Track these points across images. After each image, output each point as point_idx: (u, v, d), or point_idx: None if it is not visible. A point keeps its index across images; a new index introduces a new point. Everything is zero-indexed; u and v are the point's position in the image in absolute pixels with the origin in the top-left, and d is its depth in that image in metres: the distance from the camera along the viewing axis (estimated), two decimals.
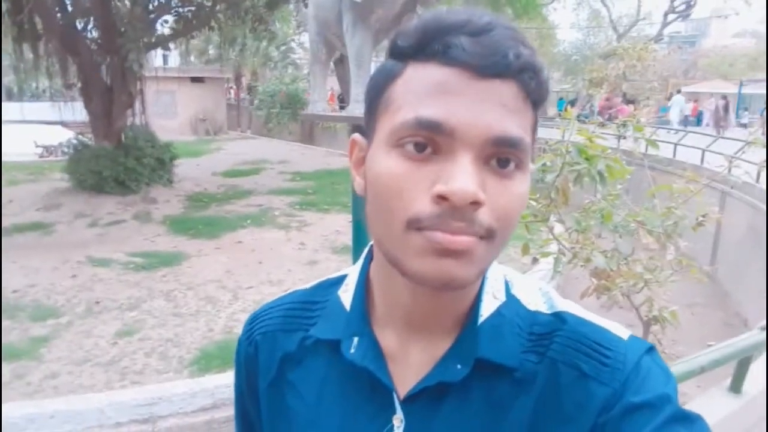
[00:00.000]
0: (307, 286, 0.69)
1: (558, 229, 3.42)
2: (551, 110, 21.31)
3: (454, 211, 0.46)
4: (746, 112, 23.37)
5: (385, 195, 0.49)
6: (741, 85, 25.46)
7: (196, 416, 3.87)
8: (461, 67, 0.47)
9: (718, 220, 2.94)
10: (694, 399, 2.90)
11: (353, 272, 0.63)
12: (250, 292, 5.98)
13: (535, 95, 0.50)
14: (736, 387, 2.56)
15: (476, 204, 0.46)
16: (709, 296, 7.99)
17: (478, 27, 0.48)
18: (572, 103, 21.80)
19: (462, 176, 0.46)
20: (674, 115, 19.72)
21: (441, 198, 0.46)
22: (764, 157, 3.21)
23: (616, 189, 3.15)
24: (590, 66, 23.72)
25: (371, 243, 0.60)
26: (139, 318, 5.30)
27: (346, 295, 0.62)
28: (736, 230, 8.31)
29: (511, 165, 0.48)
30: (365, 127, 0.55)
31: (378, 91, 0.53)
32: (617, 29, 30.40)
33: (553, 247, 3.32)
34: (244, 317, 4.34)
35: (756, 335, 2.26)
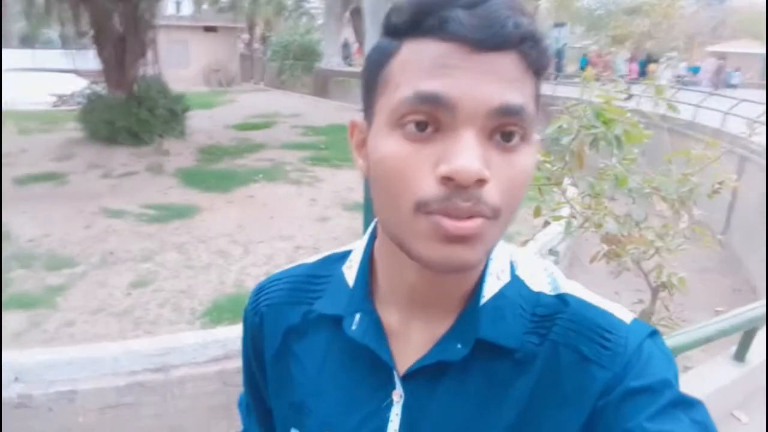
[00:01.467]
0: (313, 259, 0.69)
1: (571, 192, 3.38)
2: (572, 67, 20.79)
3: (460, 191, 0.45)
4: None
5: (390, 179, 0.48)
6: None
7: (208, 366, 3.99)
8: (459, 42, 0.46)
9: (734, 187, 2.88)
10: (699, 365, 2.92)
11: (358, 248, 0.64)
12: (261, 246, 6.05)
13: (536, 65, 0.48)
14: (740, 356, 2.58)
15: (481, 182, 0.45)
16: (720, 262, 7.95)
17: None
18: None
19: (465, 154, 0.45)
20: (664, 75, 19.24)
21: (446, 179, 0.45)
22: None
23: (633, 153, 3.09)
24: (614, 22, 22.98)
25: (375, 220, 0.60)
26: (152, 269, 5.39)
27: (350, 271, 0.62)
28: (753, 196, 8.18)
29: (515, 138, 0.47)
30: (364, 109, 0.54)
31: (374, 70, 0.51)
32: None
33: (565, 211, 3.29)
34: (255, 271, 4.44)
35: (761, 306, 2.25)
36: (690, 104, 10.94)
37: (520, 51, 0.47)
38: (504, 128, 0.47)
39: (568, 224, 3.20)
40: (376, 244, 0.60)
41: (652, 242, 2.59)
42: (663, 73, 18.88)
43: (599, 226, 2.88)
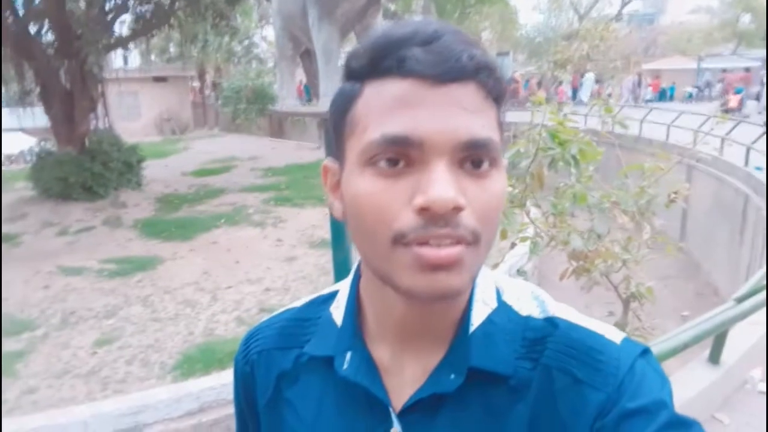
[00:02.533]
0: (300, 303, 0.68)
1: (534, 213, 3.46)
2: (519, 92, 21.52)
3: (438, 220, 0.46)
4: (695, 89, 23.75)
5: (366, 215, 0.49)
6: (699, 60, 26.01)
7: (183, 421, 3.83)
8: (418, 78, 0.47)
9: (687, 196, 3.01)
10: (675, 372, 2.98)
11: (344, 288, 0.63)
12: (229, 292, 5.93)
13: (494, 93, 0.50)
14: (714, 358, 2.64)
15: (457, 209, 0.46)
16: (681, 269, 8.21)
17: (427, 36, 0.48)
18: (538, 84, 22.00)
19: (439, 184, 0.46)
20: (584, 94, 20.19)
21: (422, 209, 0.46)
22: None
23: (589, 171, 3.19)
24: (554, 48, 23.96)
25: (360, 260, 0.60)
26: (117, 326, 5.20)
27: (337, 311, 0.62)
28: (704, 203, 8.53)
29: (485, 164, 0.49)
30: (334, 151, 0.55)
31: (341, 114, 0.52)
32: (578, 10, 30.74)
33: (530, 231, 3.35)
34: (224, 318, 4.34)
35: (732, 308, 2.33)
36: (634, 119, 11.41)
37: (477, 81, 0.48)
38: (473, 158, 0.48)
39: (535, 244, 3.26)
40: (362, 281, 0.60)
41: (618, 255, 2.66)
42: (584, 92, 19.80)
43: (565, 243, 2.94)
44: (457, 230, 0.46)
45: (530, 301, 0.58)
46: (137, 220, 8.77)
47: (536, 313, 0.57)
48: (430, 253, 0.46)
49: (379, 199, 0.48)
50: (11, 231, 8.27)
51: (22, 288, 6.11)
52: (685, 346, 1.79)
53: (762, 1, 26.63)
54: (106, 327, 5.18)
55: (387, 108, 0.48)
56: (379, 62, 0.49)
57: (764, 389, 2.66)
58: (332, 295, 0.65)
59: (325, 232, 7.06)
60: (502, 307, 0.57)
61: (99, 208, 9.14)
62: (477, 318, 0.55)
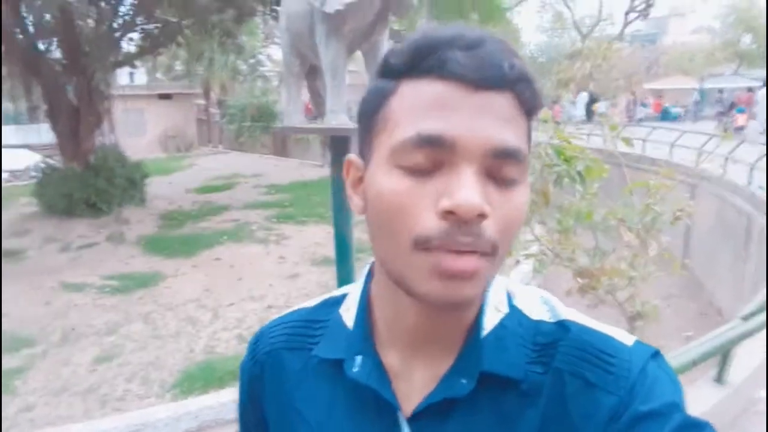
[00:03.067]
0: (310, 304, 0.68)
1: (539, 230, 3.45)
2: None
3: (461, 225, 0.46)
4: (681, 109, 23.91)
5: (389, 214, 0.49)
6: (701, 80, 26.17)
7: None
8: (458, 81, 0.47)
9: (691, 213, 3.00)
10: None
11: (354, 290, 0.63)
12: (231, 309, 5.90)
13: (529, 105, 0.50)
14: (720, 378, 2.60)
15: (482, 216, 0.46)
16: (683, 288, 8.15)
17: (470, 41, 0.48)
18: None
19: (466, 189, 0.46)
20: (579, 111, 20.40)
21: (447, 213, 0.46)
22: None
23: (594, 188, 3.19)
24: (557, 67, 24.15)
25: (372, 261, 0.60)
26: (118, 343, 5.17)
27: (348, 313, 0.61)
28: (706, 222, 8.50)
29: (512, 177, 0.49)
30: (360, 147, 0.55)
31: (372, 111, 0.53)
32: (581, 30, 31.04)
33: (535, 248, 3.34)
34: (225, 335, 4.31)
35: (738, 326, 2.30)
36: (638, 138, 11.44)
37: (514, 91, 0.49)
38: (501, 167, 0.48)
39: (540, 262, 3.25)
40: (373, 285, 0.60)
41: (625, 272, 2.64)
42: (578, 111, 19.93)
43: (571, 260, 2.93)
44: (478, 240, 0.47)
45: (540, 306, 0.58)
46: (140, 237, 8.77)
47: (547, 317, 0.57)
48: (451, 262, 0.47)
49: (403, 200, 0.48)
50: (14, 247, 8.28)
51: (23, 304, 6.09)
52: (693, 364, 1.77)
53: (762, 22, 26.89)
54: (107, 344, 5.15)
55: (423, 107, 0.48)
56: (419, 61, 0.49)
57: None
58: (342, 297, 0.65)
59: (328, 250, 7.03)
60: (514, 312, 0.57)
61: (102, 224, 9.16)
62: (489, 323, 0.55)
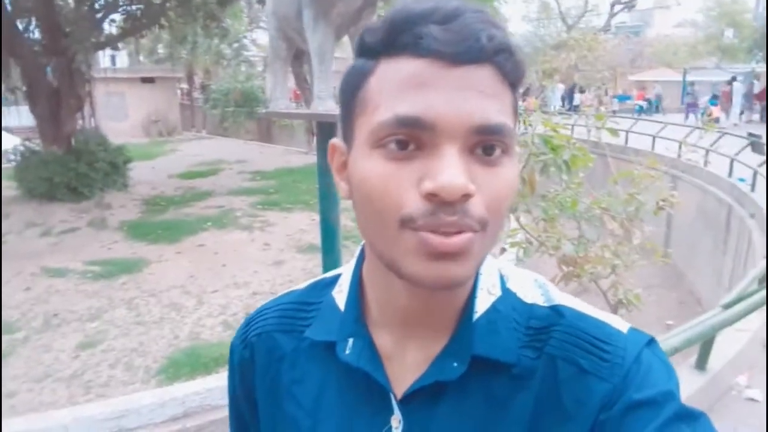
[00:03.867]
0: (302, 286, 0.67)
1: (525, 218, 3.48)
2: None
3: (446, 206, 0.45)
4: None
5: (374, 197, 0.48)
6: (685, 72, 26.41)
7: (167, 426, 3.78)
8: (434, 57, 0.46)
9: (678, 203, 3.04)
10: None
11: (346, 272, 0.62)
12: (215, 296, 5.87)
13: (512, 76, 0.48)
14: (701, 364, 2.66)
15: (467, 196, 0.45)
16: (665, 278, 8.29)
17: (446, 13, 0.46)
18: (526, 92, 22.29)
19: (449, 170, 0.44)
20: (556, 101, 20.71)
21: (431, 195, 0.45)
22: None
23: (579, 177, 3.22)
24: (542, 57, 24.20)
25: (363, 243, 0.59)
26: (101, 329, 5.12)
27: (340, 295, 0.61)
28: (688, 213, 8.64)
29: (497, 151, 0.47)
30: (342, 130, 0.54)
31: (351, 92, 0.51)
32: (566, 21, 31.12)
33: (521, 237, 3.37)
34: (210, 322, 4.30)
35: (719, 313, 2.35)
36: (622, 130, 11.55)
37: (495, 63, 0.47)
38: (486, 143, 0.47)
39: (526, 250, 3.28)
40: (365, 267, 0.59)
41: (609, 260, 2.68)
42: (554, 101, 20.16)
43: (556, 248, 2.96)
44: (464, 219, 0.45)
45: (535, 289, 0.58)
46: (123, 222, 8.66)
47: (541, 301, 0.56)
48: (438, 240, 0.45)
49: (387, 182, 0.47)
50: None
51: (3, 289, 5.99)
52: (675, 351, 1.80)
53: (745, 17, 27.17)
54: (90, 330, 5.10)
55: (400, 87, 0.46)
56: (395, 39, 0.47)
57: (750, 395, 2.69)
58: (335, 279, 0.64)
59: (313, 237, 7.02)
60: (507, 295, 0.56)
61: (84, 209, 9.01)
62: (481, 306, 0.55)
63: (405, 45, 0.47)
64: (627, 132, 11.89)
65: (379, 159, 0.47)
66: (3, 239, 7.84)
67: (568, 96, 22.95)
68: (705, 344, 2.56)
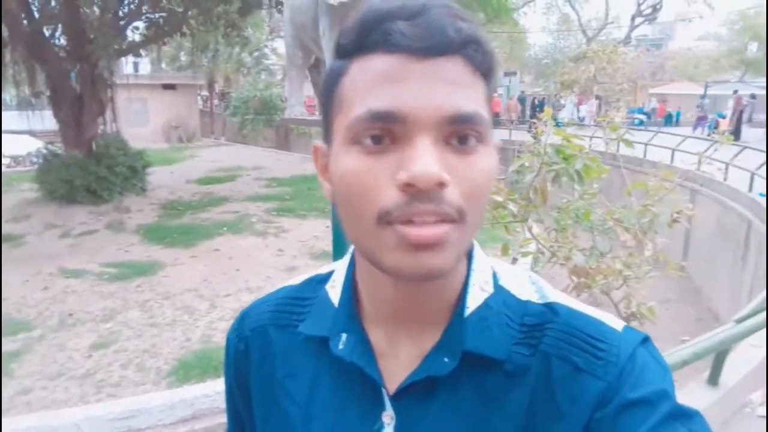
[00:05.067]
0: (297, 281, 0.68)
1: (536, 229, 3.46)
2: (529, 113, 21.74)
3: (421, 195, 0.45)
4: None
5: (351, 193, 0.48)
6: (706, 86, 26.13)
7: (176, 428, 3.79)
8: (403, 52, 0.47)
9: (690, 216, 3.00)
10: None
11: (340, 268, 0.63)
12: (228, 300, 5.91)
13: (483, 67, 0.49)
14: (713, 379, 2.61)
15: (441, 185, 0.45)
16: (681, 292, 8.15)
17: (414, 10, 0.47)
18: (541, 104, 22.21)
19: (423, 160, 0.45)
20: (567, 114, 20.52)
21: (406, 185, 0.45)
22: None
23: (593, 188, 3.20)
24: (561, 69, 24.10)
25: None
26: (115, 329, 5.18)
27: (333, 291, 0.61)
28: (706, 227, 8.50)
29: (472, 140, 0.48)
30: (323, 133, 0.55)
31: (329, 93, 0.52)
32: (586, 33, 30.99)
33: (532, 247, 3.35)
34: (222, 326, 4.33)
35: (732, 328, 2.31)
36: (640, 142, 11.44)
37: (464, 54, 0.48)
38: (459, 133, 0.47)
39: (536, 260, 3.25)
40: (356, 264, 0.60)
41: (620, 272, 2.65)
42: (565, 113, 19.97)
43: (567, 259, 2.94)
44: (441, 206, 0.46)
45: (529, 286, 0.58)
46: (140, 225, 8.78)
47: (535, 298, 0.57)
48: (414, 232, 0.46)
49: (363, 177, 0.47)
50: (15, 231, 8.29)
51: (21, 288, 6.11)
52: (683, 363, 1.77)
53: None
54: (104, 330, 5.16)
55: (372, 83, 0.47)
56: (365, 37, 0.48)
57: (764, 413, 2.63)
58: (329, 275, 0.64)
59: (326, 244, 7.04)
60: (499, 292, 0.57)
61: (103, 211, 9.16)
62: (473, 302, 0.55)
63: (375, 43, 0.48)
64: (645, 145, 11.77)
65: (356, 155, 0.48)
66: (23, 240, 8.00)
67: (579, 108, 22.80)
68: (717, 359, 2.52)
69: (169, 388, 4.21)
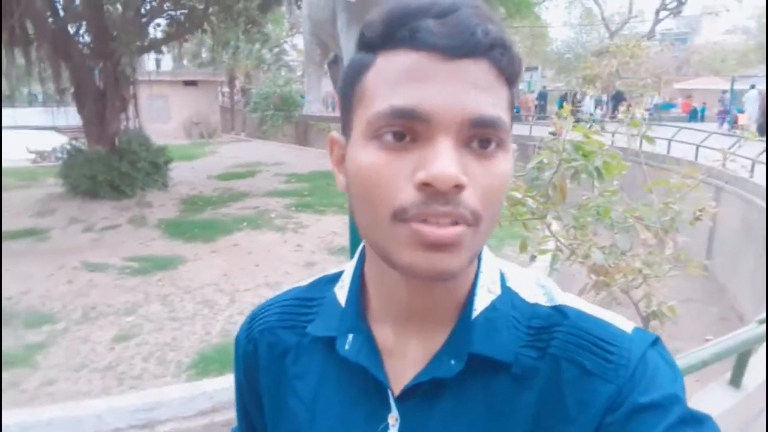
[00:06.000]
0: (305, 282, 0.68)
1: (555, 226, 3.42)
2: (551, 108, 21.52)
3: (438, 196, 0.45)
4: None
5: (368, 187, 0.48)
6: (733, 81, 25.58)
7: (195, 420, 3.85)
8: (430, 51, 0.46)
9: (713, 214, 2.95)
10: (694, 393, 2.90)
11: (349, 268, 0.63)
12: (247, 294, 5.96)
13: (508, 71, 0.49)
14: (735, 381, 2.56)
15: (459, 187, 0.45)
16: (705, 291, 8.02)
17: (443, 8, 0.47)
18: (562, 100, 22.00)
19: (442, 160, 0.45)
20: (586, 110, 20.35)
21: (424, 185, 0.45)
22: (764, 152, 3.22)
23: (613, 185, 3.15)
24: (583, 64, 23.79)
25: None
26: (136, 323, 5.27)
27: (341, 291, 0.61)
28: (731, 225, 8.34)
29: (492, 145, 0.48)
30: (342, 124, 0.55)
31: (350, 85, 0.52)
32: (609, 27, 30.54)
33: (551, 245, 3.31)
34: (241, 320, 4.37)
35: (755, 329, 2.26)
36: (663, 138, 11.25)
37: (490, 58, 0.47)
38: (479, 137, 0.47)
39: (555, 258, 3.22)
40: (366, 261, 0.60)
41: (639, 270, 2.61)
42: (585, 109, 19.73)
43: (586, 257, 2.90)
44: (457, 209, 0.46)
45: (536, 289, 0.57)
46: (161, 220, 8.90)
47: (543, 300, 0.56)
48: (430, 231, 0.46)
49: (381, 173, 0.47)
50: (39, 226, 8.46)
51: (45, 281, 6.23)
52: (703, 364, 1.74)
53: None
54: (125, 324, 5.25)
55: (396, 80, 0.47)
56: (392, 33, 0.48)
57: None
58: (337, 276, 0.65)
59: (345, 240, 7.07)
60: (507, 294, 0.56)
61: (125, 206, 9.30)
62: (480, 304, 0.55)
63: (402, 39, 0.48)
64: (669, 141, 11.58)
65: (375, 149, 0.48)
66: (48, 234, 8.16)
67: (601, 103, 22.55)
68: (740, 360, 2.47)
69: (189, 380, 4.27)
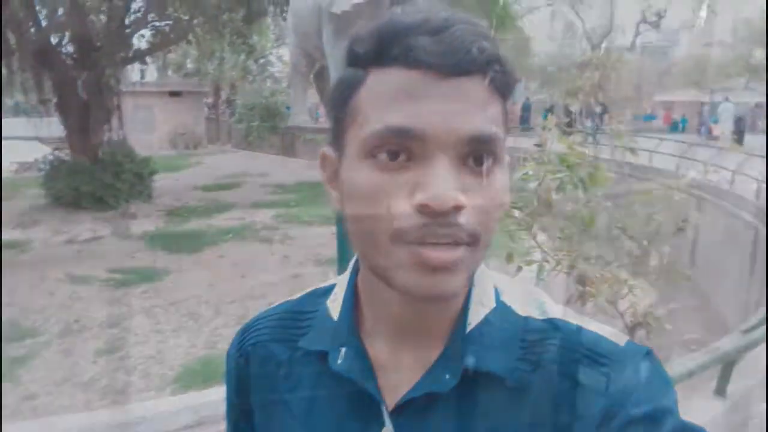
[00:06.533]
0: (297, 295, 0.67)
1: (541, 237, 3.45)
2: (535, 120, 21.72)
3: (438, 218, 0.45)
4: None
5: (365, 209, 0.48)
6: (711, 93, 26.05)
7: None
8: (425, 69, 0.46)
9: (696, 225, 2.99)
10: (679, 403, 2.93)
11: (341, 282, 0.62)
12: (233, 306, 5.91)
13: (502, 87, 0.49)
14: (720, 390, 2.59)
15: (458, 208, 0.45)
16: (688, 301, 8.09)
17: (437, 25, 0.46)
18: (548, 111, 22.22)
19: (440, 182, 0.45)
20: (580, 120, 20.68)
21: (423, 206, 0.45)
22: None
23: (597, 196, 3.19)
24: (566, 76, 24.08)
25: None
26: (120, 336, 5.19)
27: (334, 305, 0.60)
28: (714, 235, 8.46)
29: (488, 161, 0.48)
30: (333, 140, 0.54)
31: (342, 102, 0.51)
32: (591, 40, 30.97)
33: (537, 256, 3.34)
34: (227, 332, 4.32)
35: (737, 339, 2.30)
36: (645, 150, 11.41)
37: (485, 74, 0.47)
38: (476, 154, 0.47)
39: (541, 268, 3.25)
40: (359, 276, 0.59)
41: (625, 281, 2.64)
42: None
43: (572, 267, 2.93)
44: (457, 231, 0.46)
45: (529, 302, 0.57)
46: (146, 232, 8.80)
47: (536, 313, 0.56)
48: (431, 254, 0.46)
49: (378, 194, 0.47)
50: (21, 237, 8.33)
51: (27, 294, 6.13)
52: (690, 374, 1.76)
53: None
54: (109, 337, 5.17)
55: (391, 98, 0.47)
56: (385, 50, 0.47)
57: None
58: (329, 289, 0.64)
59: (332, 251, 7.04)
60: (501, 308, 0.56)
61: (109, 218, 9.21)
62: (474, 318, 0.54)
63: (396, 56, 0.47)
64: (650, 153, 11.73)
65: (370, 169, 0.47)
66: (30, 245, 8.04)
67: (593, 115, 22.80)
68: (724, 370, 2.50)
69: (173, 394, 4.21)
